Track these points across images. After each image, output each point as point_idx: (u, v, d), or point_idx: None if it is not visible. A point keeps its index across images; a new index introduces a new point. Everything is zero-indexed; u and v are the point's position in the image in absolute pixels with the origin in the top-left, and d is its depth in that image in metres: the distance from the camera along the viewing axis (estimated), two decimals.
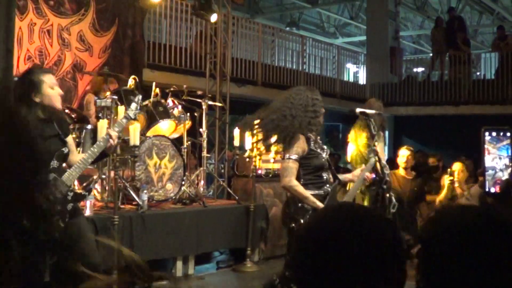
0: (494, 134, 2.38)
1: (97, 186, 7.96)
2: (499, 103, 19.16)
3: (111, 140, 5.16)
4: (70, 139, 5.22)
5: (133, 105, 5.59)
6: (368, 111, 5.70)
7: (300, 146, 5.43)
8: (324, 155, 5.62)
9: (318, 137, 5.73)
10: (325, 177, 5.58)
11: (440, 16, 22.13)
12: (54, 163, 4.98)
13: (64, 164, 5.14)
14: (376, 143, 5.78)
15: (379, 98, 21.31)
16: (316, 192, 5.48)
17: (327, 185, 5.58)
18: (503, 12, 26.61)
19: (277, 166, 9.57)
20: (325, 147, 5.76)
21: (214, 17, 11.55)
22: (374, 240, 1.66)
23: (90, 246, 5.08)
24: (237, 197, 9.20)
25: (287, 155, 5.44)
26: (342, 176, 6.05)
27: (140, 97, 5.88)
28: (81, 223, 5.17)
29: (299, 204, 5.43)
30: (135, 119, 5.74)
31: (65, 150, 5.06)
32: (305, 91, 5.62)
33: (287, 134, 5.46)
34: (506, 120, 14.07)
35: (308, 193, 5.39)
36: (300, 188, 5.41)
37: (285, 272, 5.69)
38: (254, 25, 17.79)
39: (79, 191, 5.17)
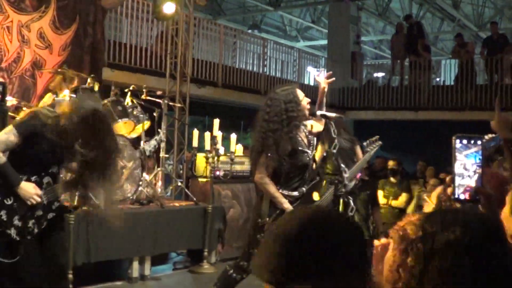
0: (465, 141, 2.43)
1: None
2: (458, 109, 19.40)
3: None
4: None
5: (153, 142, 5.57)
6: (329, 114, 5.72)
7: (284, 145, 5.48)
8: (310, 152, 5.65)
9: (306, 131, 5.76)
10: (305, 176, 5.62)
11: (401, 22, 22.32)
12: (54, 169, 4.94)
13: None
14: (335, 146, 5.81)
15: (339, 102, 21.60)
16: (291, 193, 5.52)
17: (304, 186, 5.62)
18: (463, 20, 26.93)
19: (235, 167, 9.60)
20: (313, 141, 5.78)
21: (175, 18, 11.51)
22: (339, 243, 1.69)
23: (57, 263, 5.04)
24: (194, 198, 9.18)
25: (267, 152, 5.48)
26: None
27: (162, 136, 5.82)
28: (57, 240, 5.10)
29: (271, 203, 5.48)
30: (148, 156, 5.72)
31: (69, 159, 5.03)
32: (277, 99, 5.62)
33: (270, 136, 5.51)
34: (465, 126, 14.24)
35: (277, 193, 5.44)
36: (270, 187, 5.45)
37: (240, 262, 5.74)
38: (216, 26, 17.81)
39: (66, 205, 5.13)
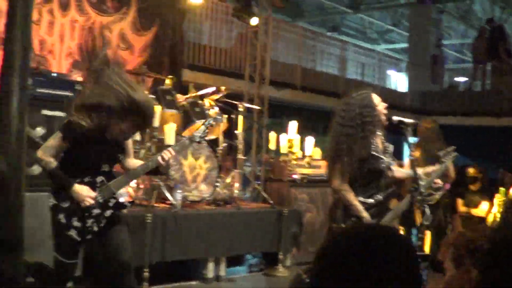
0: None
1: (132, 183, 7.99)
2: None
3: (168, 157, 5.12)
4: (130, 142, 5.24)
5: (202, 128, 5.55)
6: (405, 120, 5.63)
7: (359, 150, 5.40)
8: (385, 159, 5.57)
9: (382, 137, 5.70)
10: (380, 184, 5.54)
11: (483, 26, 21.85)
12: (105, 167, 5.00)
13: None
14: (413, 153, 5.71)
15: (419, 106, 21.30)
16: (366, 200, 5.45)
17: (380, 193, 5.53)
18: None
19: (312, 171, 9.53)
20: (389, 148, 5.70)
21: (254, 21, 11.52)
22: (388, 261, 1.66)
23: (121, 259, 5.06)
24: (271, 201, 9.15)
25: (344, 158, 5.42)
26: (408, 172, 5.98)
27: (211, 120, 5.82)
28: (119, 235, 5.13)
29: (346, 209, 5.43)
30: (199, 142, 5.71)
31: (120, 156, 5.09)
32: (353, 104, 5.56)
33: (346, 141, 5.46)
34: None
35: (355, 201, 5.37)
36: (348, 194, 5.39)
37: (312, 266, 5.67)
38: (295, 28, 17.77)
39: (122, 201, 5.17)
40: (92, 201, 4.82)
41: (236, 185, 9.42)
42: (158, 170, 5.31)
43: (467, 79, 25.37)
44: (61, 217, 4.78)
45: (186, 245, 7.59)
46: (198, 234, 7.74)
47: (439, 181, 5.93)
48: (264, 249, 9.06)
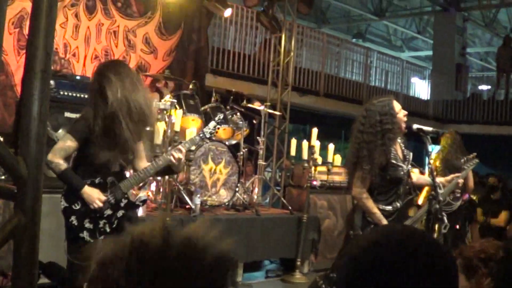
0: None
1: (152, 187, 8.04)
2: None
3: (179, 155, 5.12)
4: (141, 144, 5.26)
5: (212, 124, 5.56)
6: (425, 128, 5.63)
7: (379, 158, 5.41)
8: (405, 166, 5.58)
9: (402, 145, 5.72)
10: (399, 191, 5.55)
11: (508, 35, 21.73)
12: (116, 167, 5.03)
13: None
14: (432, 161, 5.71)
15: (442, 114, 21.23)
16: (385, 207, 5.46)
17: (399, 200, 5.54)
18: None
19: (332, 178, 9.53)
20: (409, 156, 5.72)
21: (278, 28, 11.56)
22: (426, 267, 1.60)
23: None
24: (290, 207, 9.17)
25: (364, 166, 5.44)
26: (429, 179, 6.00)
27: (221, 116, 5.83)
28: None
29: (364, 216, 5.44)
30: (210, 138, 5.73)
31: (130, 156, 5.11)
32: (373, 111, 5.57)
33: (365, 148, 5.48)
34: None
35: (376, 209, 5.37)
36: (368, 202, 5.40)
37: (330, 273, 5.69)
38: (319, 35, 17.77)
39: (133, 201, 5.20)
40: (101, 204, 4.85)
41: (256, 190, 9.45)
42: (171, 170, 5.27)
43: (490, 87, 25.24)
44: (73, 219, 4.82)
45: None
46: None
47: (458, 190, 5.94)
48: (282, 255, 9.08)
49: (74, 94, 7.16)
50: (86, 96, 7.18)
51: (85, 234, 4.84)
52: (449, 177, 5.86)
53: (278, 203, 10.28)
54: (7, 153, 1.93)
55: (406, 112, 5.66)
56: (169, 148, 7.80)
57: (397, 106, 5.61)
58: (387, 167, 5.46)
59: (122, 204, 5.02)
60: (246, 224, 8.27)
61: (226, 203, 8.48)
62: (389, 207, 5.49)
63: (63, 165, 4.77)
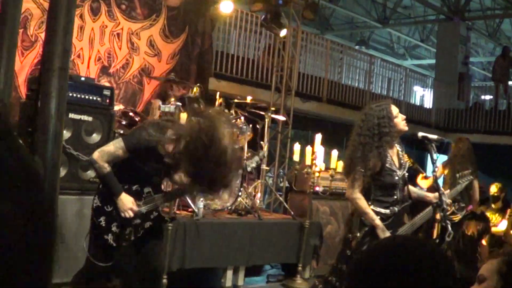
0: None
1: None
2: None
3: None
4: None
5: (256, 158, 5.61)
6: (430, 136, 5.64)
7: (373, 162, 5.47)
8: (399, 172, 5.59)
9: (399, 150, 5.73)
10: (395, 197, 5.56)
11: (508, 46, 21.80)
12: (155, 180, 5.04)
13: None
14: (436, 169, 5.72)
15: (444, 123, 21.23)
16: (382, 210, 5.47)
17: (396, 205, 5.55)
18: None
19: (335, 184, 9.53)
20: (404, 162, 5.73)
21: (283, 32, 11.59)
22: (427, 277, 1.62)
23: (155, 274, 5.14)
24: (292, 212, 9.16)
25: (357, 167, 5.46)
26: (423, 193, 6.04)
27: (265, 153, 5.82)
28: (153, 249, 5.17)
29: (360, 218, 5.46)
30: (250, 172, 5.76)
31: (172, 173, 5.11)
32: (371, 114, 5.60)
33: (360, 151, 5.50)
34: None
35: (368, 209, 5.41)
36: (361, 202, 5.43)
37: (328, 277, 5.73)
38: (323, 41, 17.76)
39: (163, 216, 5.20)
40: (131, 214, 4.86)
41: (258, 195, 9.44)
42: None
43: (492, 97, 25.24)
44: (102, 220, 4.84)
45: (206, 253, 7.63)
46: (218, 242, 7.77)
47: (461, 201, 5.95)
48: (284, 260, 9.08)
49: (79, 96, 7.14)
50: (91, 97, 7.21)
51: (109, 237, 4.86)
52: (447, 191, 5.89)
53: (279, 208, 10.27)
54: (24, 151, 1.91)
55: (404, 116, 5.71)
56: None
57: (394, 110, 5.65)
58: (381, 172, 5.49)
59: (152, 216, 5.03)
60: (248, 229, 8.26)
61: (229, 207, 8.47)
62: (386, 211, 5.51)
63: (106, 168, 4.78)
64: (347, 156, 5.67)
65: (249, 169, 5.55)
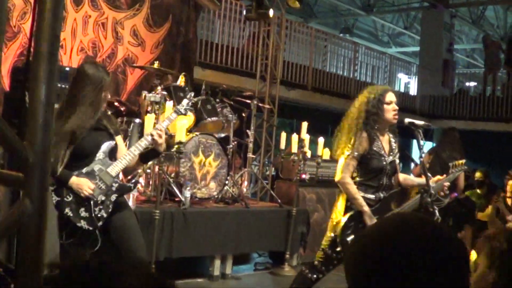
0: None
1: (141, 180, 8.02)
2: None
3: (158, 132, 5.10)
4: (120, 139, 5.28)
5: (185, 101, 5.60)
6: (416, 122, 5.63)
7: (361, 144, 5.48)
8: (388, 158, 5.59)
9: (392, 139, 5.75)
10: (382, 182, 5.57)
11: (484, 35, 22.00)
12: (100, 155, 5.03)
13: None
14: (423, 155, 5.72)
15: (429, 110, 21.30)
16: (368, 196, 5.48)
17: (383, 191, 5.56)
18: None
19: (321, 171, 9.54)
20: (395, 149, 5.73)
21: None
22: (443, 258, 1.55)
23: (136, 241, 5.12)
24: (279, 200, 9.16)
25: (347, 152, 5.48)
26: (418, 180, 6.04)
27: (192, 94, 5.90)
28: (126, 217, 5.18)
29: (346, 201, 5.48)
30: (185, 114, 5.73)
31: (112, 143, 5.12)
32: (365, 95, 5.63)
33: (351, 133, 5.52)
34: None
35: (358, 195, 5.42)
36: (351, 187, 5.44)
37: (315, 262, 5.75)
38: (307, 29, 17.75)
39: (124, 183, 5.20)
40: (91, 191, 4.87)
41: (245, 183, 9.43)
42: (155, 151, 5.23)
43: (476, 84, 25.33)
44: (68, 211, 4.83)
45: (194, 242, 7.62)
46: (205, 231, 7.76)
47: (446, 186, 5.93)
48: (271, 248, 9.09)
49: (64, 86, 7.11)
50: None
51: (83, 223, 4.86)
52: (435, 178, 5.87)
53: (265, 196, 10.27)
54: (14, 138, 1.89)
55: (396, 108, 5.67)
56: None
57: (389, 96, 5.63)
58: (368, 155, 5.49)
59: (114, 188, 5.03)
60: (235, 217, 8.25)
61: (216, 196, 8.46)
62: (372, 196, 5.52)
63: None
64: (338, 140, 5.67)
65: (182, 111, 5.50)
